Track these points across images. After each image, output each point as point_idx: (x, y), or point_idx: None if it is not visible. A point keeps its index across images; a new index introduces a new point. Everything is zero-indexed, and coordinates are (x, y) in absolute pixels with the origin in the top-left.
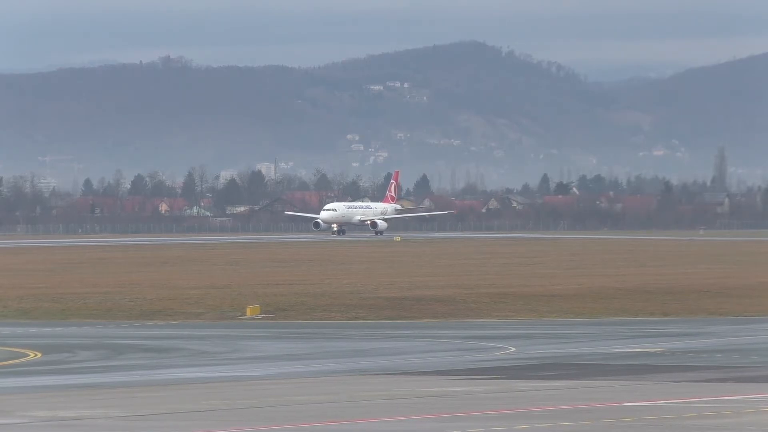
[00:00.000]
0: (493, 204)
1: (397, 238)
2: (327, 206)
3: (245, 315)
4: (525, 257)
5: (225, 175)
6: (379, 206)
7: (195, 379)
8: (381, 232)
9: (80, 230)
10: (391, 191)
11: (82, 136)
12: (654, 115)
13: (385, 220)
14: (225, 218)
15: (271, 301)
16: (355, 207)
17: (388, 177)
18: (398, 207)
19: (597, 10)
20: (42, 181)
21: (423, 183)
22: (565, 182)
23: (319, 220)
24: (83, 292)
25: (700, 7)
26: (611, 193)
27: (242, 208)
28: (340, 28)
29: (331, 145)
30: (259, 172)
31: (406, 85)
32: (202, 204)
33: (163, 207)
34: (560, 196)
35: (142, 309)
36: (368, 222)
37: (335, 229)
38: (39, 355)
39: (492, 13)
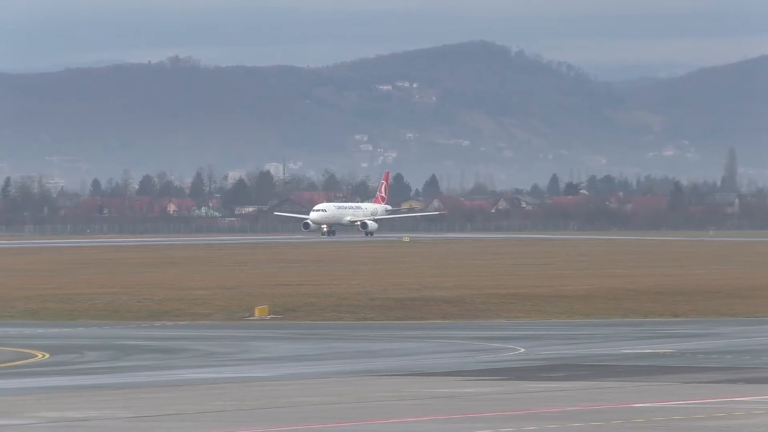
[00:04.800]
0: (502, 204)
1: (406, 239)
2: (316, 206)
3: (254, 316)
4: (534, 258)
5: (233, 175)
6: (370, 207)
7: (203, 380)
8: (371, 233)
9: (88, 231)
10: (382, 191)
11: (90, 136)
12: (664, 115)
13: (376, 220)
14: (233, 219)
15: (279, 301)
16: (345, 207)
17: (396, 177)
18: (389, 207)
19: (606, 11)
20: (50, 181)
21: (432, 183)
22: (574, 182)
23: (308, 221)
24: (91, 293)
25: (710, 7)
26: (621, 193)
27: (250, 209)
28: (349, 28)
29: (339, 145)
30: (268, 172)
31: (414, 85)
32: (211, 204)
33: (172, 207)
34: (570, 197)
35: (150, 310)
36: (358, 223)
37: (325, 230)
38: (47, 355)
39: (501, 13)
